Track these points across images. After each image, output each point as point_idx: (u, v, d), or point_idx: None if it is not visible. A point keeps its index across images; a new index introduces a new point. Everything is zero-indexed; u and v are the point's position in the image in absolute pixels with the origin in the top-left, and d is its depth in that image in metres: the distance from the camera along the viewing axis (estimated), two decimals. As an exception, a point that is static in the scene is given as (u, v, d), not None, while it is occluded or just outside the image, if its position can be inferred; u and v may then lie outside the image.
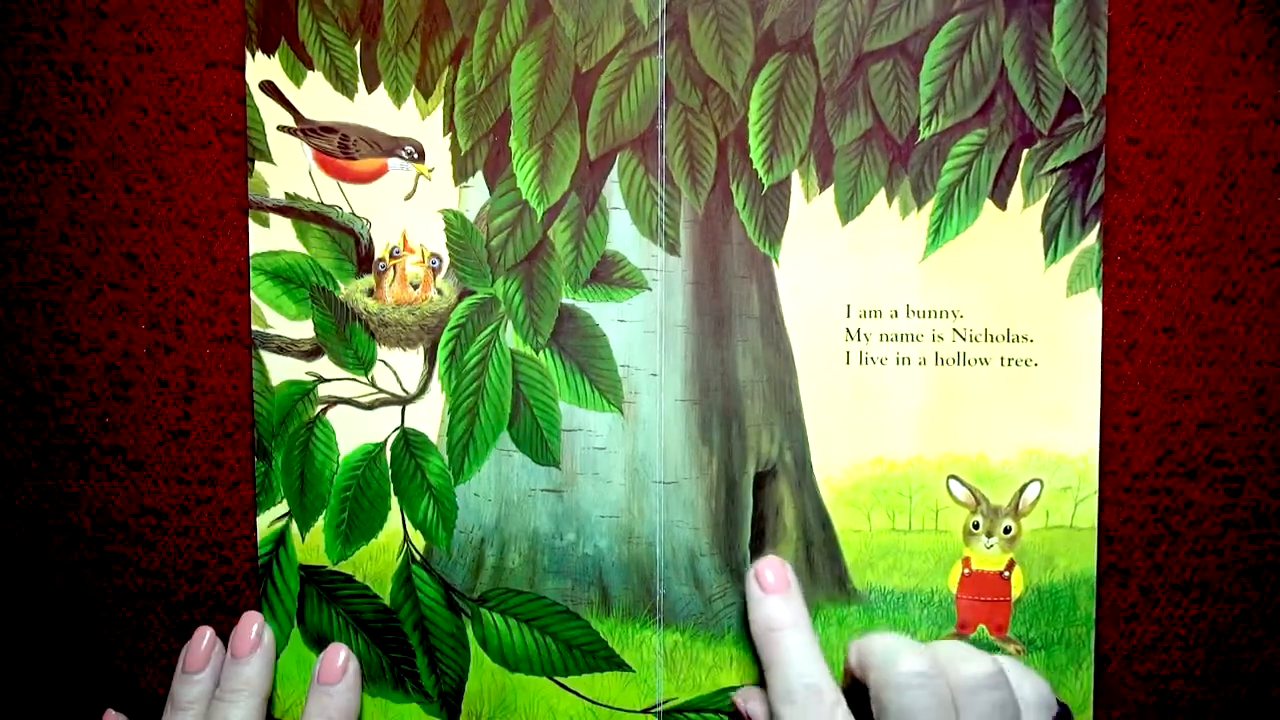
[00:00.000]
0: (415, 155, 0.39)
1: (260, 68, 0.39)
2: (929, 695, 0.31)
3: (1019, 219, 0.37)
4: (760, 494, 0.39)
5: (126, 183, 0.40)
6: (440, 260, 0.39)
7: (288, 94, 0.39)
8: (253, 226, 0.40)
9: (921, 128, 0.37)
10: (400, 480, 0.40)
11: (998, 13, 0.37)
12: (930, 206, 0.38)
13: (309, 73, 0.39)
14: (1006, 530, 0.38)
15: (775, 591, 0.36)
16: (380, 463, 0.40)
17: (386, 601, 0.40)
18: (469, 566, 0.40)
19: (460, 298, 0.39)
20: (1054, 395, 0.37)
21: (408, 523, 0.40)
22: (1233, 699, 0.40)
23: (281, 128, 0.40)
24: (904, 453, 0.38)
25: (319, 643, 0.41)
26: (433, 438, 0.40)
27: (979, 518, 0.38)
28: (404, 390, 0.40)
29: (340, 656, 0.39)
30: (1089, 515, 0.38)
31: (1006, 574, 0.38)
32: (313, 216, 0.40)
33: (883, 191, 0.38)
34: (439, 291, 0.40)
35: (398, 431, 0.40)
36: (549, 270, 0.39)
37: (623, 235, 0.39)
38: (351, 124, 0.39)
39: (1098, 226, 0.37)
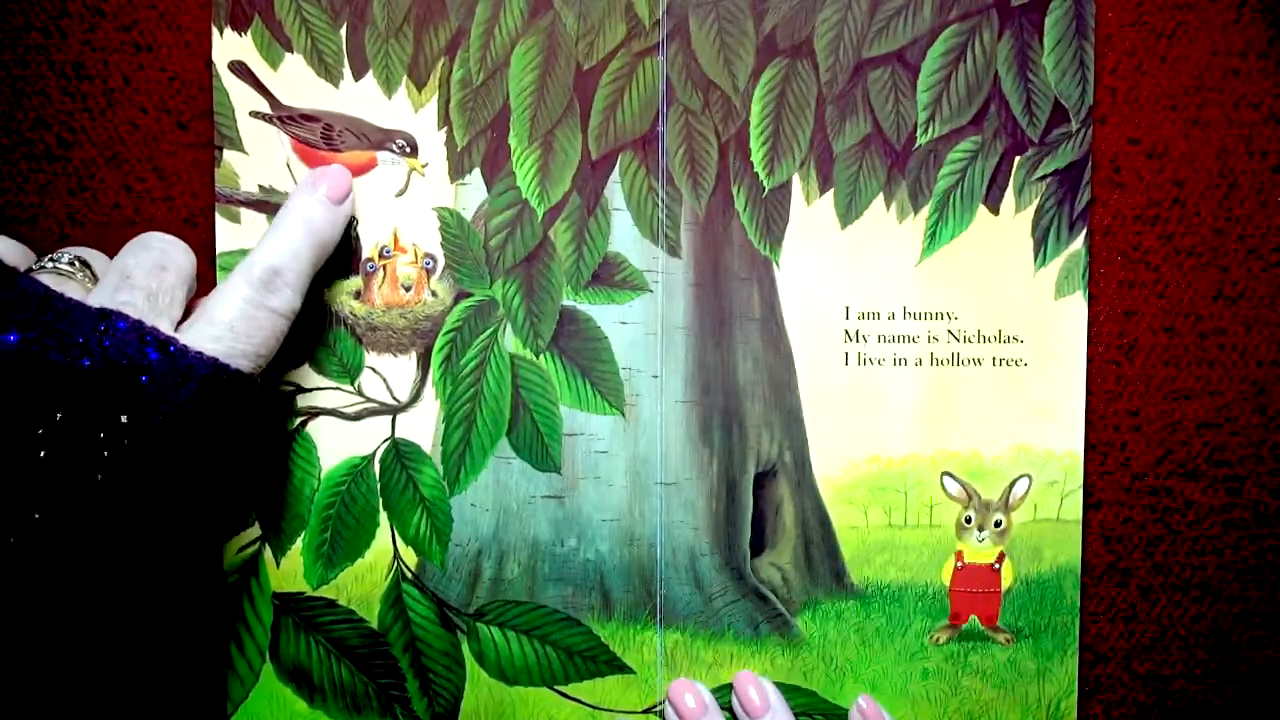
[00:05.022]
0: (407, 149, 0.41)
1: (229, 46, 0.40)
2: None
3: (1010, 224, 0.41)
4: (760, 493, 0.42)
5: (126, 182, 0.42)
6: (435, 261, 0.41)
7: (262, 77, 0.40)
8: (220, 223, 0.41)
9: (918, 134, 0.41)
10: (390, 494, 0.42)
11: (991, 24, 0.41)
12: (926, 211, 0.41)
13: (286, 55, 0.40)
14: (997, 524, 0.42)
15: (759, 714, 0.41)
16: (368, 477, 0.42)
17: (374, 625, 0.42)
18: (465, 580, 0.42)
19: (456, 300, 0.41)
20: (1043, 394, 0.42)
21: (398, 539, 0.42)
22: (1233, 699, 0.43)
23: (255, 114, 0.40)
24: (900, 450, 0.42)
25: (294, 677, 0.42)
26: (426, 448, 0.42)
27: (971, 512, 0.42)
28: (395, 399, 0.41)
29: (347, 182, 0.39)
30: (1074, 509, 0.42)
31: (997, 566, 0.42)
32: (290, 212, 0.41)
33: (881, 196, 0.41)
34: (433, 294, 0.41)
35: (388, 443, 0.42)
36: (550, 272, 0.41)
37: (624, 237, 0.41)
38: (336, 113, 0.40)
39: (1084, 232, 0.41)
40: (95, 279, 0.35)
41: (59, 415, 0.30)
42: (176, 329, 0.34)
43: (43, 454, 0.29)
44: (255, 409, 0.35)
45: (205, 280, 0.43)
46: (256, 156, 0.41)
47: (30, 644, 0.31)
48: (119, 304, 0.32)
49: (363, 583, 0.42)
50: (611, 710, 0.42)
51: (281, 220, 0.37)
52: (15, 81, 0.42)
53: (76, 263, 0.35)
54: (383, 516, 0.42)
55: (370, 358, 0.42)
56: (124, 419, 0.30)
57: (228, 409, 0.33)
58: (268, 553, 0.42)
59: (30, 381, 0.29)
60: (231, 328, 0.34)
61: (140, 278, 0.33)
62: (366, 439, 0.42)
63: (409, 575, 0.42)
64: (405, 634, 0.42)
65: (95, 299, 0.33)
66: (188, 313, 0.35)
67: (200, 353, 0.32)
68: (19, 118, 0.42)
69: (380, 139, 0.41)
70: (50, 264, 0.34)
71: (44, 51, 0.42)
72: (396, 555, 0.42)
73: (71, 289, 0.33)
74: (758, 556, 0.43)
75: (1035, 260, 0.42)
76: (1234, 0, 0.42)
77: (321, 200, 0.38)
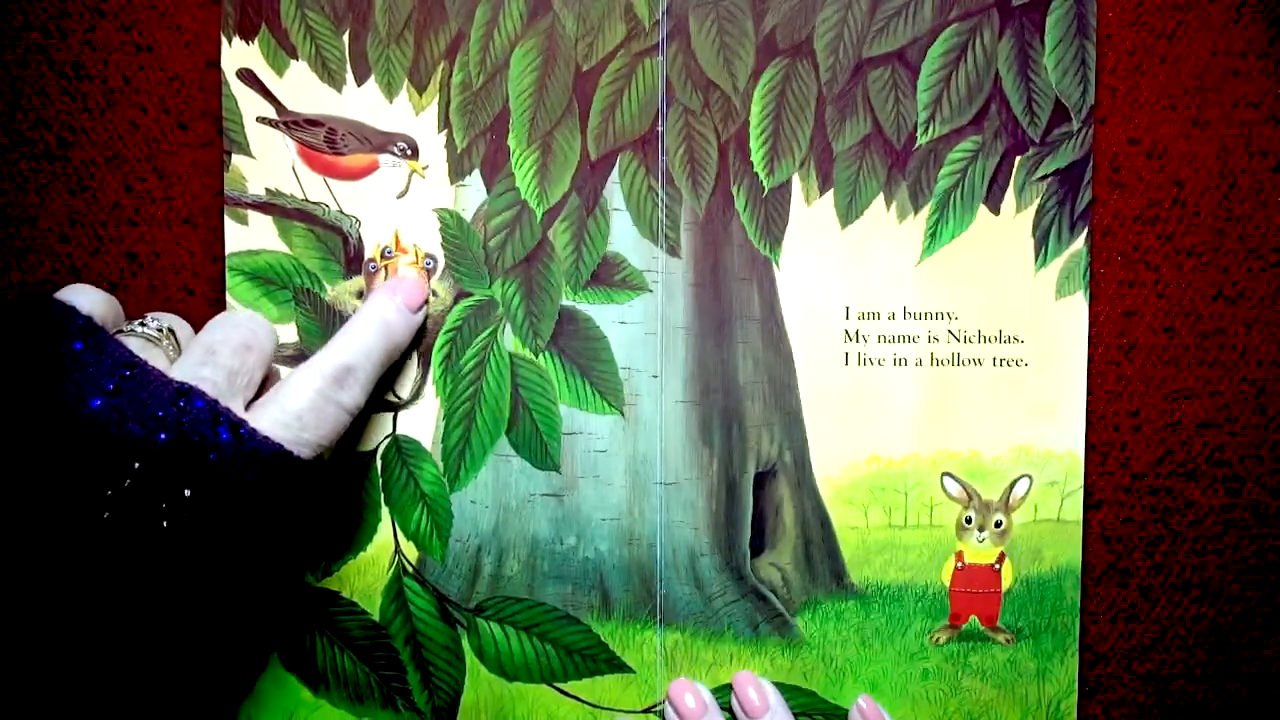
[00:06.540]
0: (408, 151, 0.41)
1: (238, 55, 0.41)
2: None
3: (1011, 224, 0.42)
4: (760, 494, 0.42)
5: (126, 182, 0.42)
6: (435, 261, 0.42)
7: (268, 83, 0.41)
8: (229, 224, 0.41)
9: (919, 134, 0.41)
10: (392, 490, 0.42)
11: (992, 23, 0.41)
12: (927, 211, 0.41)
13: (292, 62, 0.41)
14: (997, 524, 0.42)
15: (758, 715, 0.41)
16: (370, 472, 0.42)
17: (375, 617, 0.42)
18: (465, 576, 0.42)
19: (456, 300, 0.42)
20: (1043, 394, 0.42)
21: (399, 533, 0.42)
22: (1233, 699, 0.43)
23: (261, 119, 0.41)
24: (900, 451, 0.42)
25: (299, 666, 0.43)
26: (427, 445, 0.42)
27: (971, 512, 0.42)
28: (396, 396, 0.42)
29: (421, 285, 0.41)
30: (1075, 509, 0.42)
31: (997, 566, 0.42)
32: (296, 214, 0.41)
33: (881, 196, 0.42)
34: (434, 293, 0.42)
35: (389, 439, 0.42)
36: (549, 272, 0.42)
37: (623, 237, 0.42)
38: (339, 117, 0.41)
39: (1085, 231, 0.42)
40: (179, 348, 0.36)
41: (128, 482, 0.31)
42: (248, 408, 0.35)
43: (106, 515, 0.31)
44: (312, 490, 0.38)
45: (211, 279, 0.43)
46: (263, 161, 0.42)
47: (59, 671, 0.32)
48: (200, 379, 0.34)
49: (365, 576, 0.43)
50: (611, 709, 0.43)
51: (358, 320, 0.39)
52: (15, 81, 0.43)
53: (164, 330, 0.36)
54: (384, 511, 0.43)
55: (372, 356, 0.42)
56: (188, 492, 0.32)
57: (286, 491, 0.34)
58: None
59: (106, 448, 0.31)
60: (300, 417, 0.35)
61: (225, 356, 0.35)
62: (369, 435, 0.42)
63: (410, 569, 0.43)
64: (406, 627, 0.43)
65: (179, 370, 0.34)
66: (261, 389, 0.37)
67: (267, 437, 0.34)
68: (19, 118, 0.43)
69: (382, 142, 0.42)
70: (140, 328, 0.36)
71: (44, 51, 0.43)
72: (398, 549, 0.43)
73: (155, 356, 0.35)
74: (758, 556, 0.43)
75: (1036, 260, 0.42)
76: (1234, 0, 0.42)
77: (399, 306, 0.40)
